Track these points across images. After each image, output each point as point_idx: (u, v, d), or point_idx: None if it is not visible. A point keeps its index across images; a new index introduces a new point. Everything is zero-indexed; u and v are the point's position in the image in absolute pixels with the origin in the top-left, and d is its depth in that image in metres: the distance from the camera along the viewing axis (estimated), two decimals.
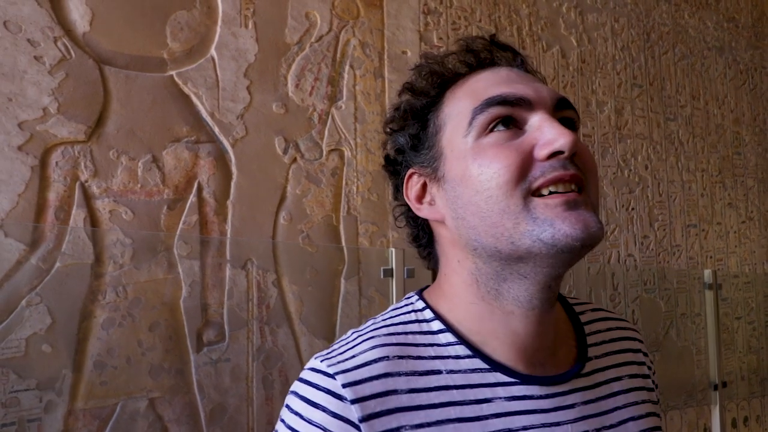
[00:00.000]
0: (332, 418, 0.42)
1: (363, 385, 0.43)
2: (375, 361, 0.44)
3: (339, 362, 0.46)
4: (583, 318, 0.55)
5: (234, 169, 1.81)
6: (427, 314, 0.51)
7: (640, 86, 3.12)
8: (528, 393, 0.44)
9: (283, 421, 0.45)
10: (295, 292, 1.87)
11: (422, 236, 0.58)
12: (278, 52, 1.93)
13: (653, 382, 0.55)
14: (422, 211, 0.55)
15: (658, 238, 3.11)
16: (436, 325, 0.49)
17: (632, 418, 0.49)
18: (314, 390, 0.44)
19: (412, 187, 0.56)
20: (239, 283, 1.78)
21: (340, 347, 0.48)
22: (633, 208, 2.95)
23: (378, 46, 2.16)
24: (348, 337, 0.50)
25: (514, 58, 0.56)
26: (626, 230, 2.89)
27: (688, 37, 3.41)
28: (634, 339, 0.56)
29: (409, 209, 0.57)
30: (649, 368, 0.54)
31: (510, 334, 0.47)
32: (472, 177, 0.48)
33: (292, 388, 0.47)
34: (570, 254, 0.42)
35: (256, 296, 1.80)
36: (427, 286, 0.58)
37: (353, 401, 0.42)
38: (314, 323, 1.90)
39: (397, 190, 0.58)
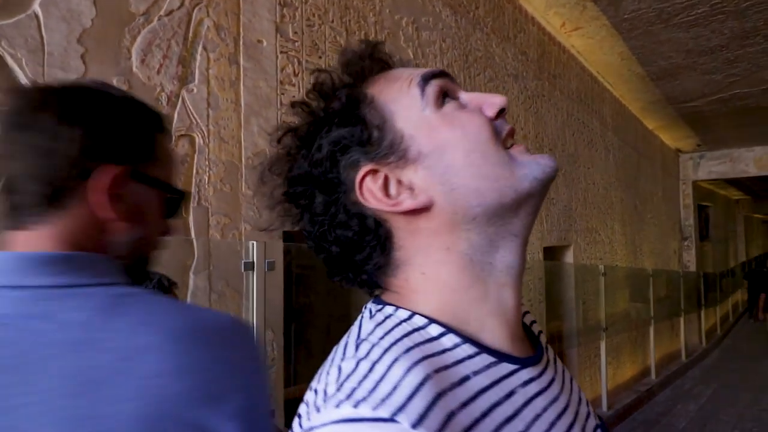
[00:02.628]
0: None
1: (429, 418, 0.34)
2: (421, 384, 0.36)
3: (384, 399, 0.34)
4: None
5: None
6: (418, 320, 0.43)
7: None
8: (531, 375, 0.43)
9: None
10: None
11: (372, 252, 0.47)
12: (121, 20, 1.63)
13: None
14: (402, 204, 0.45)
15: None
16: (435, 330, 0.42)
17: (573, 381, 0.52)
18: None
19: (373, 187, 0.46)
20: None
21: (362, 381, 0.36)
22: None
23: (234, 30, 1.98)
24: (356, 368, 0.38)
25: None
26: None
27: (494, 63, 3.87)
28: (536, 322, 0.59)
29: (332, 227, 0.46)
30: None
31: (502, 312, 0.44)
32: (458, 140, 0.45)
33: None
34: (545, 187, 0.46)
35: None
36: (377, 299, 0.48)
37: None
38: None
39: (326, 209, 0.47)
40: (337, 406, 0.35)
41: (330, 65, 2.13)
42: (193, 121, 1.82)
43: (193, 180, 1.81)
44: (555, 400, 0.44)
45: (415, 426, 0.33)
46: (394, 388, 0.35)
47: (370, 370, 0.37)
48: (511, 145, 0.47)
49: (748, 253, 17.39)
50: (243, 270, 1.68)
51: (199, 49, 1.85)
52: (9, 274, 0.51)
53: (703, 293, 9.48)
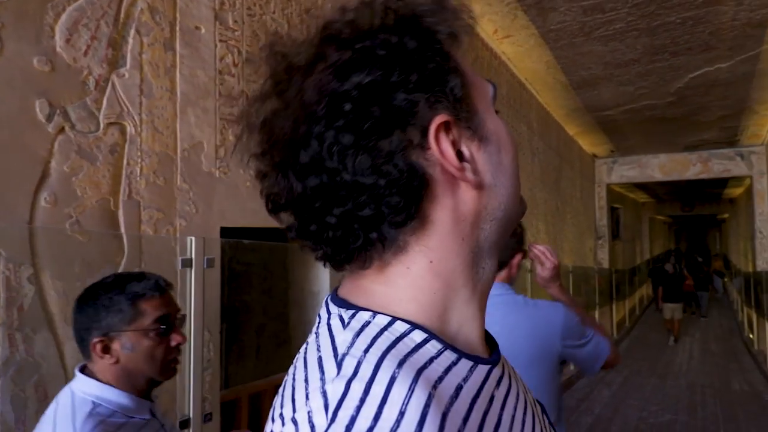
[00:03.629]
0: None
1: None
2: (427, 406, 0.33)
3: (394, 429, 0.31)
4: None
5: None
6: (401, 327, 0.38)
7: None
8: (499, 374, 0.42)
9: None
10: (60, 289, 1.48)
11: (402, 203, 0.39)
12: None
13: None
14: (466, 173, 0.40)
15: None
16: (419, 336, 0.38)
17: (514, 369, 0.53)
18: None
19: (445, 140, 0.39)
20: None
21: (361, 408, 0.32)
22: None
23: (169, 15, 1.87)
24: (348, 392, 0.33)
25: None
26: None
27: None
28: None
29: (388, 168, 0.38)
30: None
31: (480, 315, 0.43)
32: (508, 145, 0.44)
33: None
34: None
35: (4, 296, 1.36)
36: (338, 297, 0.43)
37: None
38: None
39: (370, 141, 0.38)
40: None
41: None
42: (124, 108, 1.69)
43: (124, 171, 1.68)
44: (518, 395, 0.44)
45: None
46: (401, 414, 0.32)
47: (366, 392, 0.33)
48: None
49: (652, 251, 19.02)
50: (180, 267, 1.58)
51: (132, 32, 1.72)
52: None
53: (614, 288, 10.24)
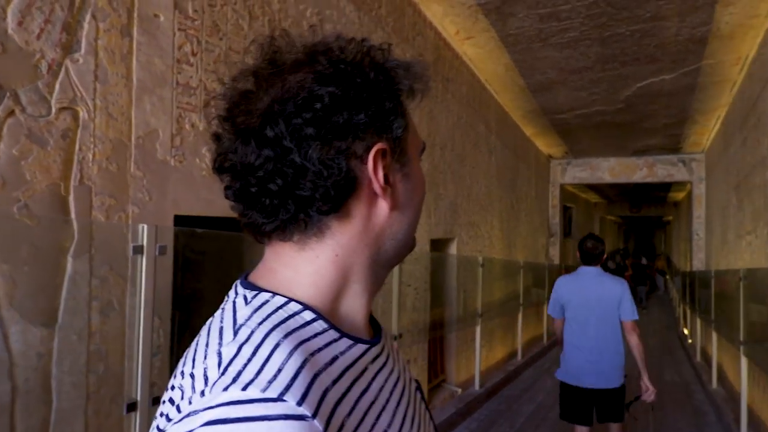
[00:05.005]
0: None
1: (311, 396, 0.39)
2: (302, 366, 0.40)
3: (271, 381, 0.38)
4: None
5: None
6: (293, 306, 0.46)
7: None
8: (377, 353, 0.51)
9: None
10: (6, 273, 1.48)
11: (330, 206, 0.47)
12: None
13: None
14: (386, 192, 0.49)
15: None
16: (308, 315, 0.46)
17: (398, 352, 0.61)
18: (268, 423, 0.36)
19: (380, 162, 0.48)
20: None
21: (247, 365, 0.39)
22: None
23: (127, 1, 1.85)
24: (239, 352, 0.40)
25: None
26: None
27: None
28: None
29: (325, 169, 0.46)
30: None
31: (365, 308, 0.52)
32: (420, 190, 0.55)
33: None
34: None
35: None
36: (246, 280, 0.50)
37: (314, 415, 0.38)
38: (31, 308, 1.53)
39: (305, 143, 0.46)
40: (225, 389, 0.38)
41: (231, 48, 2.13)
42: (78, 93, 1.69)
43: (75, 157, 1.68)
44: (391, 371, 0.53)
45: (299, 403, 0.38)
46: (279, 370, 0.39)
47: (254, 354, 0.40)
48: None
49: None
50: (131, 254, 1.60)
51: (87, 17, 1.71)
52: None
53: None
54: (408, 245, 0.55)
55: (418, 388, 0.61)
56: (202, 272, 2.37)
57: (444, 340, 5.33)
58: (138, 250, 1.58)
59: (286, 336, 0.42)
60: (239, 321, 0.44)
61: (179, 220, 2.07)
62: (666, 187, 12.81)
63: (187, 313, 2.73)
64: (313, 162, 0.46)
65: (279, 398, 0.37)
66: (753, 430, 4.37)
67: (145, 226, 1.62)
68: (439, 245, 5.19)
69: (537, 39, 4.97)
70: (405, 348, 4.16)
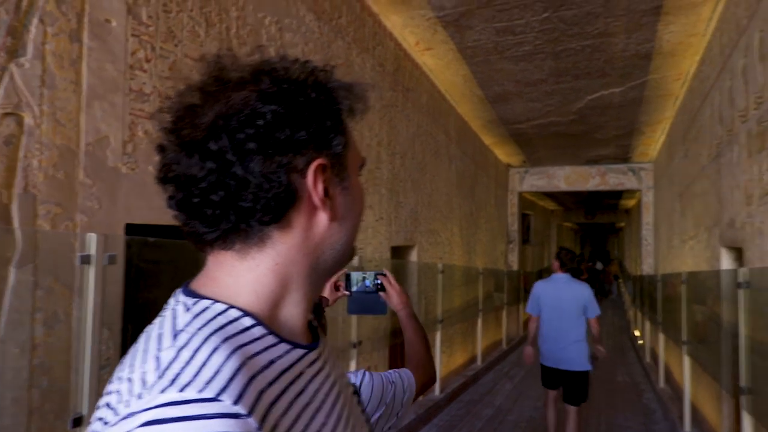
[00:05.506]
0: None
1: (246, 395, 0.41)
2: (238, 369, 0.42)
3: (208, 382, 0.40)
4: None
5: None
6: (233, 313, 0.48)
7: None
8: (314, 358, 0.54)
9: None
10: None
11: (271, 217, 0.49)
12: None
13: None
14: (325, 205, 0.52)
15: None
16: (248, 321, 0.48)
17: (336, 358, 0.66)
18: (204, 422, 0.38)
19: (319, 176, 0.51)
20: None
21: (185, 368, 0.41)
22: None
23: (77, 5, 1.82)
24: (177, 356, 0.42)
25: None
26: None
27: (354, 72, 4.04)
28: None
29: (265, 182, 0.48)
30: None
31: (304, 315, 0.54)
32: (359, 203, 0.58)
33: None
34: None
35: None
36: (187, 288, 0.51)
37: (249, 413, 0.40)
38: None
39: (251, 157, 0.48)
40: (162, 391, 0.39)
41: (187, 55, 2.13)
42: (23, 98, 1.63)
43: (19, 164, 1.63)
44: (328, 375, 0.56)
45: (236, 402, 0.40)
46: (216, 372, 0.41)
47: (192, 357, 0.41)
48: None
49: None
50: (79, 264, 1.56)
51: (35, 21, 1.66)
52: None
53: (522, 289, 10.93)
54: (347, 254, 0.57)
55: (355, 392, 0.64)
56: (157, 282, 2.32)
57: (404, 347, 5.36)
58: (85, 259, 1.54)
59: (224, 341, 0.44)
60: (178, 327, 0.45)
61: (132, 229, 2.03)
62: (618, 194, 13.37)
63: (140, 325, 2.65)
64: (254, 175, 0.48)
65: (215, 398, 0.39)
66: (696, 426, 4.60)
67: (94, 235, 1.59)
68: (399, 252, 5.24)
69: (494, 51, 5.12)
70: (365, 355, 4.17)
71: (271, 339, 0.49)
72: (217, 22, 2.51)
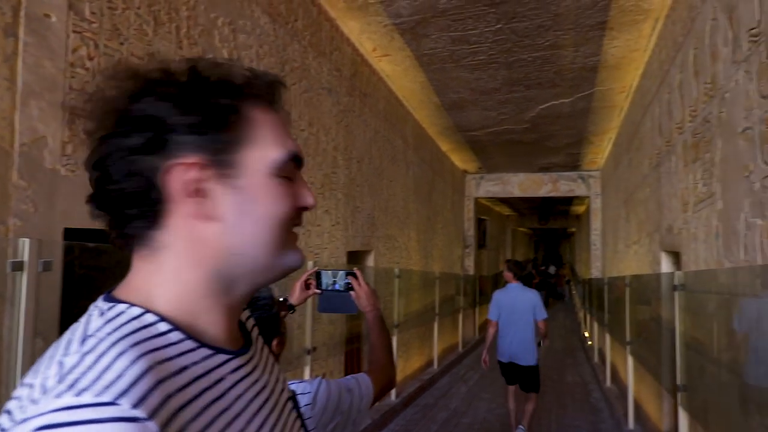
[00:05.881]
0: None
1: (148, 399, 0.40)
2: (144, 373, 0.41)
3: (108, 386, 0.39)
4: None
5: None
6: (149, 317, 0.48)
7: None
8: (239, 364, 0.53)
9: None
10: None
11: (147, 221, 0.49)
12: None
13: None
14: (187, 204, 0.49)
15: None
16: (164, 326, 0.48)
17: (275, 363, 0.65)
18: (96, 426, 0.37)
19: (182, 176, 0.49)
20: None
21: (86, 373, 0.40)
22: None
23: None
24: (82, 361, 0.41)
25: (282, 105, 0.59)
26: None
27: (310, 76, 4.02)
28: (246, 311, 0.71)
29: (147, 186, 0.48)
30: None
31: (228, 319, 0.53)
32: (267, 204, 0.52)
33: None
34: (282, 277, 0.55)
35: None
36: (108, 294, 0.51)
37: (149, 417, 0.39)
38: None
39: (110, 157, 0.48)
40: (58, 396, 0.38)
41: (134, 54, 2.08)
42: None
43: None
44: (256, 381, 0.56)
45: (135, 406, 0.39)
46: (119, 377, 0.40)
47: (95, 362, 0.41)
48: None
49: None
50: (10, 270, 1.47)
51: None
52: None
53: (478, 292, 11.14)
54: (265, 263, 0.53)
55: (291, 398, 0.63)
56: (98, 289, 2.22)
57: (361, 352, 5.36)
58: (17, 266, 1.45)
59: (133, 345, 0.43)
60: (89, 332, 0.45)
61: (73, 234, 1.93)
62: (569, 201, 13.87)
63: None
64: (123, 179, 0.48)
65: (112, 402, 0.38)
66: (639, 423, 4.82)
67: (26, 240, 1.50)
68: (356, 257, 5.23)
69: (450, 60, 5.22)
70: (320, 361, 4.13)
71: (189, 344, 0.48)
72: (166, 21, 2.44)
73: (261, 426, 0.53)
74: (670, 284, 2.91)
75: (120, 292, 0.51)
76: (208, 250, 0.51)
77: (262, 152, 0.53)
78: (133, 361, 0.42)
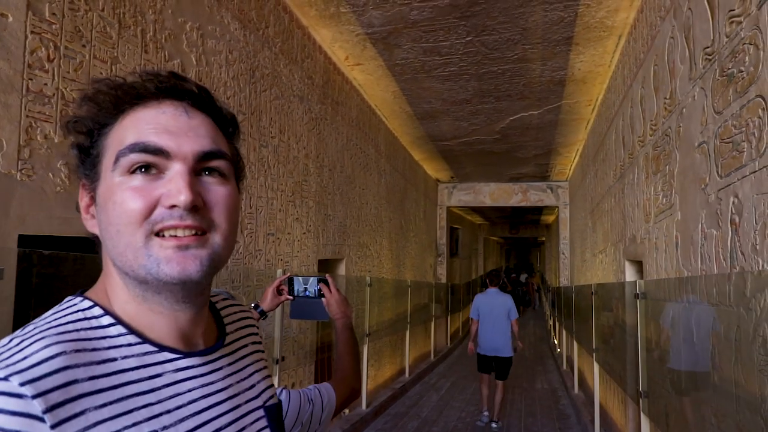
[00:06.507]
0: (11, 417, 0.40)
1: (43, 380, 0.43)
2: (52, 357, 0.44)
3: (10, 365, 0.43)
4: (218, 305, 0.68)
5: None
6: (96, 311, 0.51)
7: (243, 114, 3.46)
8: (189, 364, 0.54)
9: None
10: None
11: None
12: None
13: (263, 346, 0.73)
14: (87, 222, 0.56)
15: (245, 244, 3.49)
16: (106, 320, 0.51)
17: (257, 371, 0.65)
18: None
19: (83, 197, 0.56)
20: None
21: (3, 353, 0.44)
22: None
23: None
24: (9, 343, 0.45)
25: (190, 95, 0.56)
26: None
27: (281, 83, 4.00)
28: (250, 317, 0.72)
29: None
30: (261, 337, 0.73)
31: (174, 322, 0.54)
32: (109, 210, 0.51)
33: None
34: (175, 287, 0.50)
35: None
36: (81, 293, 0.56)
37: (34, 396, 0.42)
38: None
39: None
40: None
41: (96, 56, 2.04)
42: None
43: None
44: (210, 383, 0.55)
45: (23, 384, 0.42)
46: (24, 358, 0.44)
47: (17, 344, 0.45)
48: (170, 236, 0.51)
49: (485, 268, 21.21)
50: None
51: None
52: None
53: (450, 301, 11.20)
54: (141, 274, 0.51)
55: (271, 407, 0.63)
56: (54, 297, 2.14)
57: (332, 361, 5.31)
58: None
59: (60, 333, 0.47)
60: (36, 321, 0.49)
61: (28, 241, 1.86)
62: (539, 210, 14.14)
63: None
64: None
65: (4, 378, 0.42)
66: (606, 429, 4.91)
67: None
68: (328, 266, 5.20)
69: (422, 70, 5.28)
70: (290, 371, 4.07)
71: (129, 339, 0.51)
72: (131, 24, 2.39)
73: (198, 427, 0.53)
74: (633, 292, 2.98)
75: (90, 290, 0.56)
76: (112, 257, 0.54)
77: (110, 153, 0.53)
78: (46, 346, 0.45)
